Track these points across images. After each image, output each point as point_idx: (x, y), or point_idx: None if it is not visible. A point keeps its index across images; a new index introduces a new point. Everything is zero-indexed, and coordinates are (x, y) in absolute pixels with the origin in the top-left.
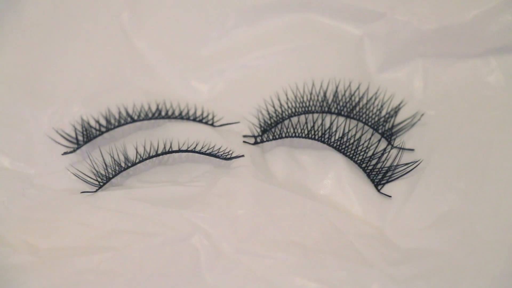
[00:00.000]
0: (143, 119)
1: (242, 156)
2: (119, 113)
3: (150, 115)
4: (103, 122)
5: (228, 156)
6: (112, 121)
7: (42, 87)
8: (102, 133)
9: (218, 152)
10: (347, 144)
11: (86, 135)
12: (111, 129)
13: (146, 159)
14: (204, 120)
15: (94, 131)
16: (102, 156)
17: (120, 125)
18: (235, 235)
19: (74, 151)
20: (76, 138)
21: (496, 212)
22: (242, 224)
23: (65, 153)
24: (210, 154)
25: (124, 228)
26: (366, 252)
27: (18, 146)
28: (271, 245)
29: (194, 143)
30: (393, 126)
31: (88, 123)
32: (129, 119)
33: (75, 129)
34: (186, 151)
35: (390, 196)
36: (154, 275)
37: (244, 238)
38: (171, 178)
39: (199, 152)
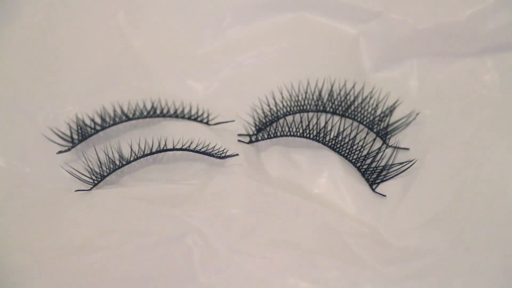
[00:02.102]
0: (138, 118)
1: (237, 154)
2: (114, 111)
3: (145, 113)
4: (98, 120)
5: (223, 155)
6: (107, 119)
7: (37, 86)
8: (97, 131)
9: (212, 151)
10: (342, 143)
11: (81, 134)
12: (106, 127)
13: (140, 157)
14: (199, 119)
15: (89, 129)
16: (97, 155)
17: (115, 123)
18: (228, 234)
19: (69, 149)
20: (71, 137)
21: (489, 210)
22: (235, 223)
23: (60, 152)
24: (204, 153)
25: (118, 227)
26: (360, 251)
27: (13, 145)
28: (264, 244)
29: (189, 141)
30: (388, 125)
31: (83, 122)
32: (124, 118)
33: (70, 127)
34: (181, 149)
35: (385, 196)
36: (147, 274)
37: (237, 237)
38: (166, 176)
39: (193, 151)
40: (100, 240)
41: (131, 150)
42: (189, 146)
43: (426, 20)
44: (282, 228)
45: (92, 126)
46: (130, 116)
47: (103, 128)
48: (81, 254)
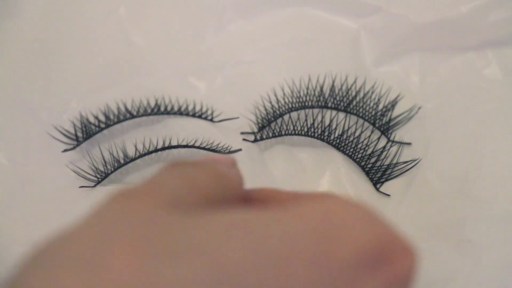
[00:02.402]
0: (142, 115)
1: (240, 150)
2: (118, 109)
3: (149, 111)
4: (102, 118)
5: (226, 151)
6: (111, 117)
7: (40, 83)
8: (101, 129)
9: (216, 147)
10: (347, 141)
11: (86, 132)
12: (111, 125)
13: (144, 154)
14: (203, 116)
15: (93, 127)
16: (101, 153)
17: (119, 121)
18: None
19: (74, 148)
20: (76, 135)
21: (492, 205)
22: None
23: (65, 151)
24: (209, 149)
25: None
26: None
27: (17, 142)
28: None
29: (193, 139)
30: (390, 120)
31: (87, 120)
32: (128, 115)
33: (74, 125)
34: (185, 146)
35: (389, 195)
36: None
37: None
38: None
39: (197, 147)
40: None
41: (136, 148)
42: (194, 143)
43: (427, 14)
44: None
45: (96, 124)
46: (134, 113)
47: (107, 126)
48: None
